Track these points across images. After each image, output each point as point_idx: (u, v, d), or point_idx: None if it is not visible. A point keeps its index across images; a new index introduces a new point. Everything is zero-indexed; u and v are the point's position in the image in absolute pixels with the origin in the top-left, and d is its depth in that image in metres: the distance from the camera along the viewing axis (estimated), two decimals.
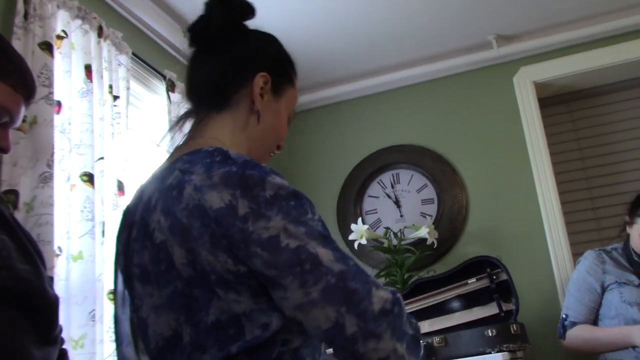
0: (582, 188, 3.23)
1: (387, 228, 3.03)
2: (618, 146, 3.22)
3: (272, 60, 1.17)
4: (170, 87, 2.59)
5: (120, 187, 2.10)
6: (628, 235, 2.51)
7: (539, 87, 3.19)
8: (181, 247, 0.94)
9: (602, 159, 3.23)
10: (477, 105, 3.26)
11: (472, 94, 3.28)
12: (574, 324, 2.46)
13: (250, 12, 1.17)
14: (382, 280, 2.93)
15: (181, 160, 1.01)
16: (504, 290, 2.62)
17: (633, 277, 2.41)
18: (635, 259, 2.45)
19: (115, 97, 2.19)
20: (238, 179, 0.93)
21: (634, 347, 2.28)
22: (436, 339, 2.43)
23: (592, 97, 3.32)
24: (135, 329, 1.04)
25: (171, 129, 1.19)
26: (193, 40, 1.19)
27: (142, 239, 1.00)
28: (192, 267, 0.93)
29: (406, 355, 0.90)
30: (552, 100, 3.33)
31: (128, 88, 2.29)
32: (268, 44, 1.20)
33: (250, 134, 1.13)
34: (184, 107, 2.59)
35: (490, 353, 2.33)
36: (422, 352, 0.95)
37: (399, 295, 0.94)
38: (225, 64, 1.15)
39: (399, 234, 3.00)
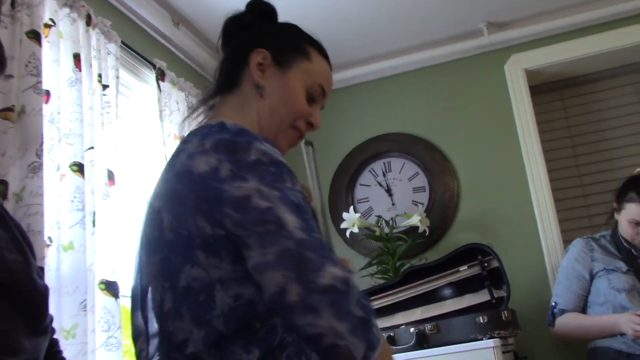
0: (573, 175, 3.24)
1: (379, 216, 3.04)
2: (609, 133, 3.24)
3: (273, 36, 1.20)
4: (160, 76, 2.58)
5: (111, 176, 2.09)
6: (616, 222, 2.53)
7: (530, 74, 3.20)
8: (169, 212, 0.98)
9: (593, 146, 3.24)
10: (468, 93, 3.26)
11: (463, 81, 3.28)
12: (562, 311, 2.48)
13: (269, 13, 1.24)
14: (373, 269, 2.94)
15: (187, 135, 1.07)
16: (495, 278, 2.64)
17: (621, 264, 2.43)
18: (625, 245, 2.47)
19: (105, 86, 2.17)
20: (227, 144, 0.96)
21: (621, 334, 2.30)
22: (428, 326, 2.44)
23: (583, 84, 3.33)
24: (143, 297, 1.07)
25: (187, 116, 1.26)
26: (221, 43, 1.27)
27: (151, 210, 1.05)
28: (174, 232, 0.96)
29: (347, 336, 0.87)
30: (543, 87, 3.34)
31: (117, 77, 2.27)
32: (276, 27, 1.24)
33: (259, 109, 1.15)
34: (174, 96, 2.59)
35: (481, 339, 2.35)
36: (375, 336, 0.91)
37: (352, 275, 0.92)
38: (233, 49, 1.22)
39: (390, 222, 3.00)
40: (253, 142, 0.97)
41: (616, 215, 2.51)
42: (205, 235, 0.94)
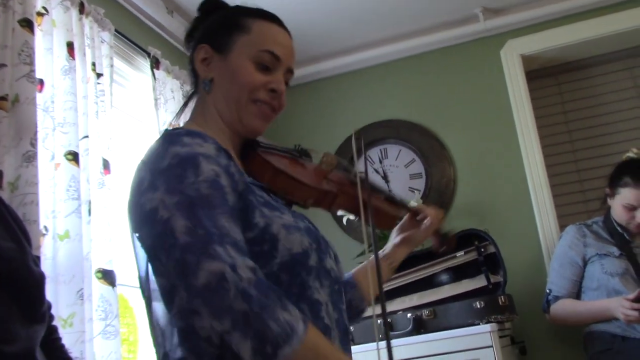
0: (569, 161, 3.24)
1: None
2: (605, 118, 3.23)
3: (209, 26, 1.20)
4: (155, 64, 2.56)
5: (106, 165, 2.08)
6: (609, 208, 2.53)
7: (526, 60, 3.19)
8: (132, 230, 1.01)
9: (590, 131, 3.24)
10: (465, 79, 3.25)
11: (459, 67, 3.27)
12: (557, 298, 2.49)
13: (212, 8, 1.23)
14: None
15: None
16: (492, 263, 2.65)
17: (613, 249, 2.43)
18: (618, 229, 2.47)
19: (99, 75, 2.16)
20: (152, 155, 1.00)
21: (615, 318, 2.31)
22: (425, 312, 2.45)
23: (579, 69, 3.32)
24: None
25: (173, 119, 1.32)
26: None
27: None
28: (139, 247, 0.99)
29: (230, 331, 0.83)
30: (539, 73, 3.33)
31: (112, 65, 2.27)
32: (214, 16, 1.23)
33: (214, 103, 1.16)
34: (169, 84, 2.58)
35: (478, 324, 2.36)
36: (273, 331, 0.84)
37: (230, 268, 0.86)
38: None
39: None
40: (169, 148, 0.98)
41: (609, 201, 2.51)
42: (149, 246, 0.95)
